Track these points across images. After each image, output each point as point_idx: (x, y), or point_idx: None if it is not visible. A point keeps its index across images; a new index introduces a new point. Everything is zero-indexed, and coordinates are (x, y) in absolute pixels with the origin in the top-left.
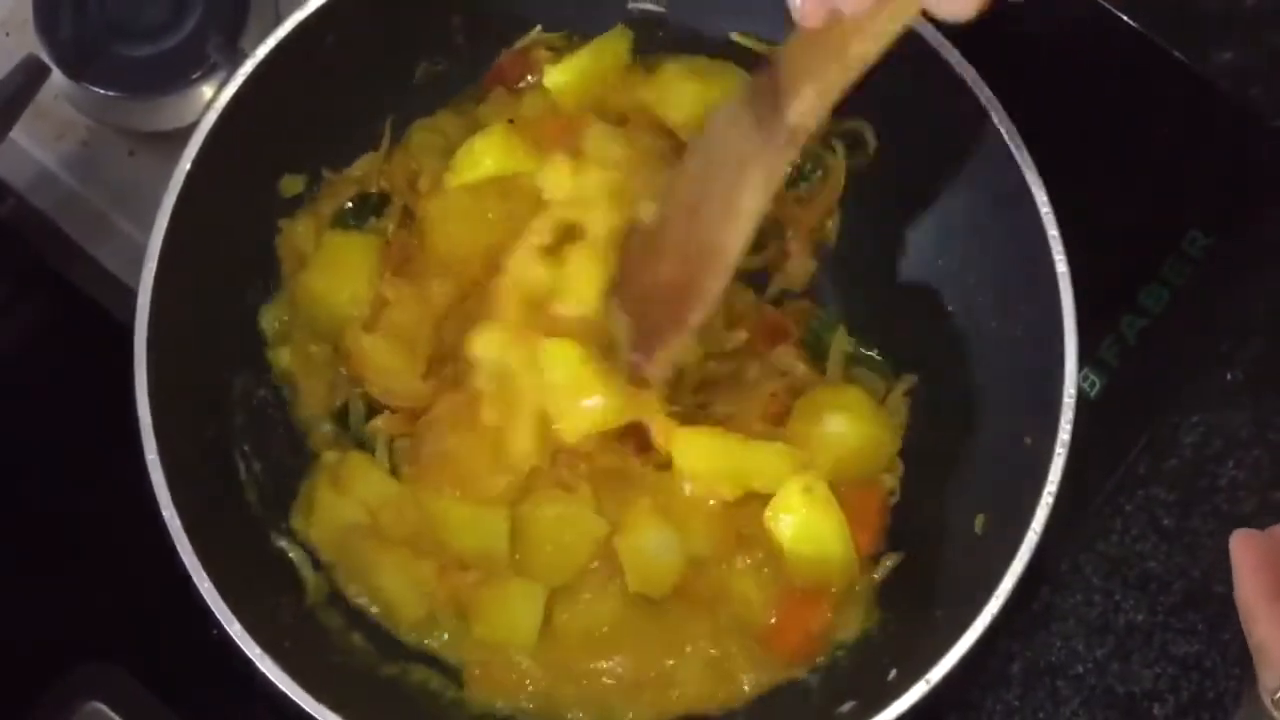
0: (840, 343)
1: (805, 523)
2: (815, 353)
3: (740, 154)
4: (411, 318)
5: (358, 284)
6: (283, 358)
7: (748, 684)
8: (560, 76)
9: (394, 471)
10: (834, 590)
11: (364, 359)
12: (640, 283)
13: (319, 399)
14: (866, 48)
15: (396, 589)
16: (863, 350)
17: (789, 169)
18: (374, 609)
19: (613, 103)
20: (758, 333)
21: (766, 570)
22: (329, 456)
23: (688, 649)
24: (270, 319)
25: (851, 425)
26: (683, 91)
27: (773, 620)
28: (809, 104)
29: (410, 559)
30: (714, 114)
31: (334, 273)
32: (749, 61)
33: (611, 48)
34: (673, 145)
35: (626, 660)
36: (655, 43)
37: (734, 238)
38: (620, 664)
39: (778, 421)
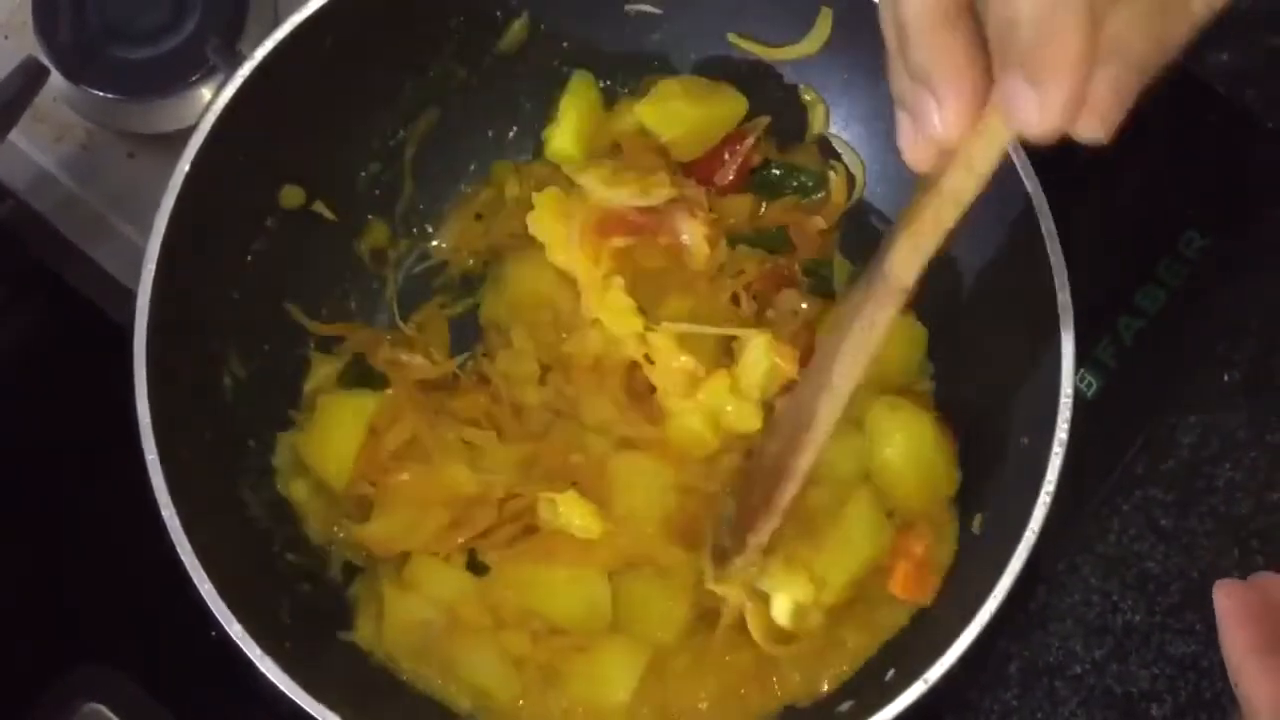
0: (842, 266)
1: (909, 439)
2: (818, 289)
3: (845, 320)
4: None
5: (343, 455)
6: (298, 491)
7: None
8: (561, 145)
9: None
10: (933, 509)
11: (374, 545)
12: (754, 465)
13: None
14: (959, 183)
15: (490, 672)
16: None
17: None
18: (465, 701)
19: (603, 135)
20: (765, 282)
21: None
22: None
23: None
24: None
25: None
26: (674, 111)
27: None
28: (904, 254)
29: (500, 637)
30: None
31: (324, 439)
32: (743, 76)
33: (585, 96)
34: (666, 163)
35: (721, 682)
36: (651, 45)
37: (825, 408)
38: (717, 686)
39: (806, 361)
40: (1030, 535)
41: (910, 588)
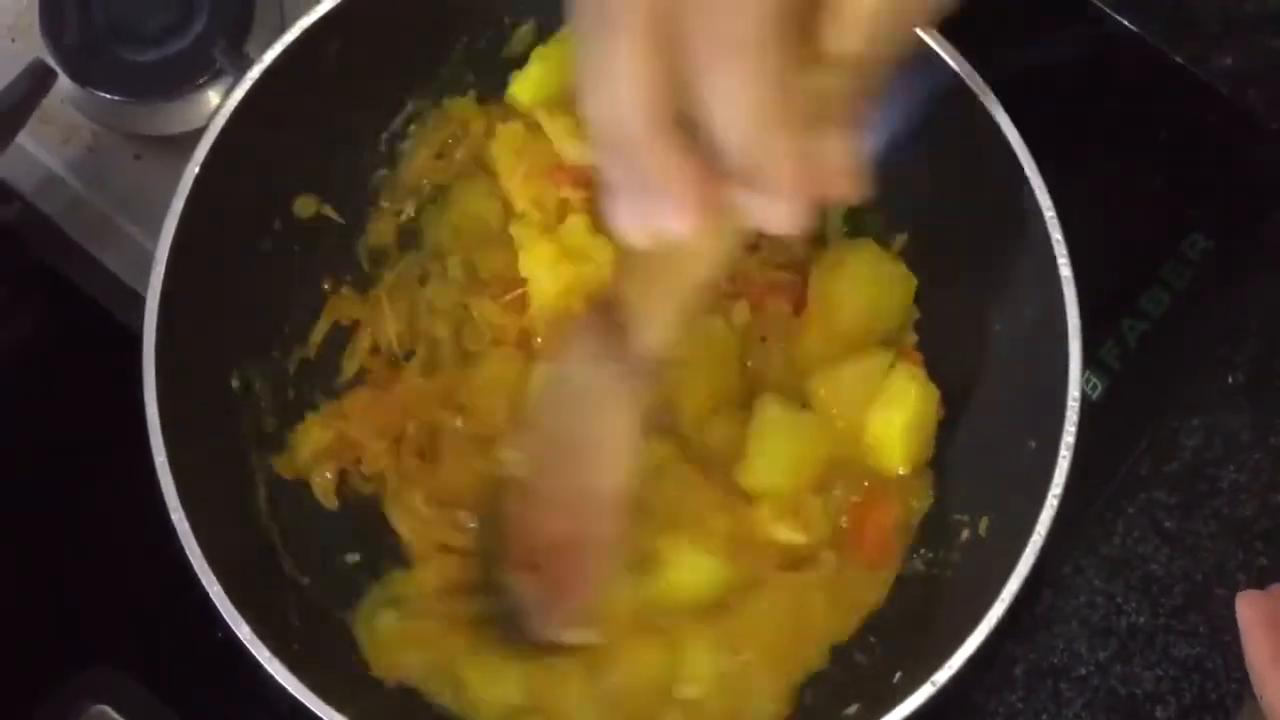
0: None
1: (919, 406)
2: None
3: (596, 394)
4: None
5: None
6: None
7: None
8: (520, 92)
9: None
10: (913, 474)
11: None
12: (531, 537)
13: None
14: (698, 271)
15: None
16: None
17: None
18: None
19: None
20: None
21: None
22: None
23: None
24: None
25: (873, 264)
26: None
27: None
28: (652, 336)
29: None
30: (564, 354)
31: None
32: None
33: (565, 51)
34: None
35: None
36: None
37: (609, 478)
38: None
39: (799, 310)
40: (1037, 538)
41: (876, 558)
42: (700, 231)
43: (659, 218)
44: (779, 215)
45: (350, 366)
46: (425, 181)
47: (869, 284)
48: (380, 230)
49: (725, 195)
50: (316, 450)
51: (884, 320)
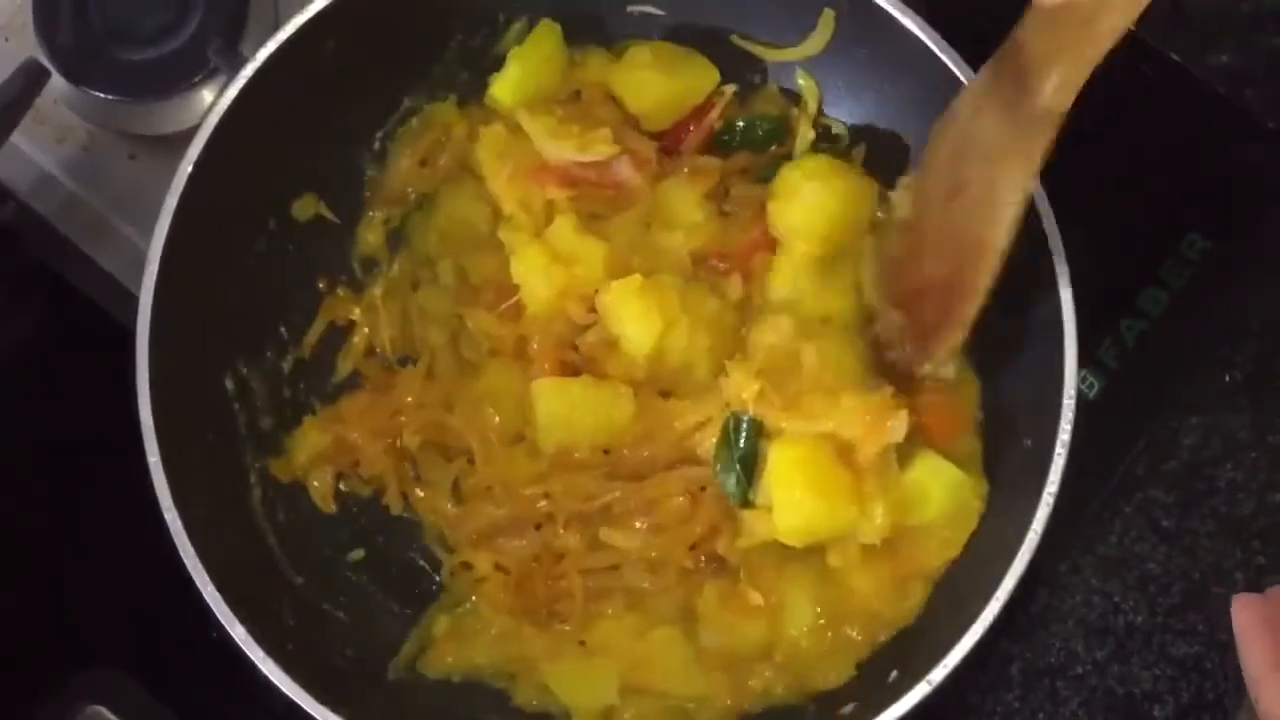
0: (805, 130)
1: None
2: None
3: (990, 143)
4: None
5: None
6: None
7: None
8: (500, 93)
9: None
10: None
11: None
12: (907, 278)
13: None
14: (1117, 20)
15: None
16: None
17: (1046, 154)
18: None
19: (565, 84)
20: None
21: None
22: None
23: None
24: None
25: (830, 178)
26: (644, 81)
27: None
28: (1059, 85)
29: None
30: (957, 101)
31: None
32: (732, 56)
33: (541, 48)
34: (625, 118)
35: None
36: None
37: (996, 231)
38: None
39: (771, 248)
40: (1033, 536)
41: (948, 434)
42: None
43: None
44: None
45: (345, 366)
46: (410, 190)
47: (830, 201)
48: (369, 239)
49: None
50: (313, 454)
51: (854, 223)
